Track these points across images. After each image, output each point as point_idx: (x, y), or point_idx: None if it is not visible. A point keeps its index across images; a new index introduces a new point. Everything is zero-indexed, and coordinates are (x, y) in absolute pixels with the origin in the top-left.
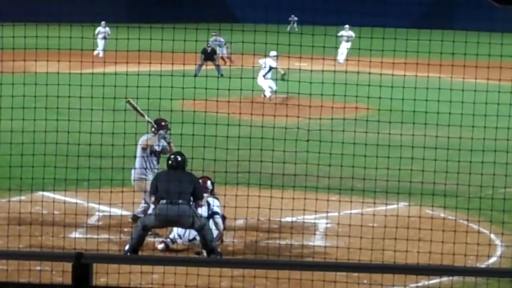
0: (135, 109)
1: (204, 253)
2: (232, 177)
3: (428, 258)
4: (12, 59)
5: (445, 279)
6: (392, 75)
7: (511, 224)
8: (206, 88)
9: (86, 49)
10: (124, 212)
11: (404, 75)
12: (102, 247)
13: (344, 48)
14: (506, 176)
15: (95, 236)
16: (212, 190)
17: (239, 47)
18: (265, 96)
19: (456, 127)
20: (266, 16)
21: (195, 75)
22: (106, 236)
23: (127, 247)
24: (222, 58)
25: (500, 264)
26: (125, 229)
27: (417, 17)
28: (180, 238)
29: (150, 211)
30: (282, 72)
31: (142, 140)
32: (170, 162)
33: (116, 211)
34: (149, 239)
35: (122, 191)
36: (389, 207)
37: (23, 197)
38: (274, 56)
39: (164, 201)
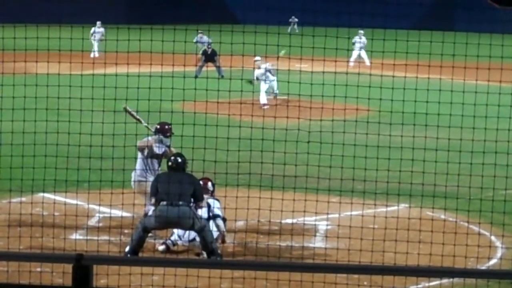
0: (132, 115)
1: (204, 255)
2: (233, 178)
3: (428, 260)
4: (13, 60)
5: (445, 281)
6: (393, 76)
7: None
8: (206, 90)
9: (86, 50)
10: (125, 214)
11: (405, 77)
12: (103, 248)
13: (356, 53)
14: (507, 178)
15: (96, 238)
16: (213, 191)
17: (239, 49)
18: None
19: (457, 128)
20: (267, 17)
21: (196, 77)
22: (106, 237)
23: (127, 249)
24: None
25: (500, 266)
26: (126, 231)
27: (418, 18)
28: (180, 239)
29: (150, 212)
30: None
31: (140, 142)
32: (170, 163)
33: (116, 212)
34: (150, 240)
35: (123, 193)
36: (389, 208)
37: (23, 199)
38: (258, 60)
39: (165, 202)
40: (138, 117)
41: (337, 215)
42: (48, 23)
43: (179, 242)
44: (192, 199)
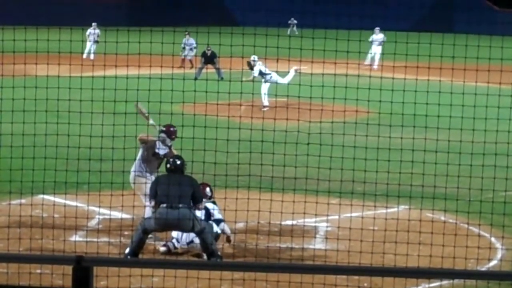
0: (141, 113)
1: (204, 256)
2: (233, 180)
3: (428, 261)
4: (13, 62)
5: (445, 282)
6: (393, 78)
7: None
8: (206, 92)
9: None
10: (124, 215)
11: (405, 78)
12: (102, 250)
13: (374, 52)
14: (507, 179)
15: (95, 239)
16: (211, 196)
17: (239, 50)
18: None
19: (457, 130)
20: (266, 19)
21: (196, 78)
22: (106, 239)
23: (127, 250)
24: (190, 61)
25: (500, 267)
26: (125, 232)
27: (417, 20)
28: (178, 242)
29: (150, 214)
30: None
31: (143, 134)
32: (169, 165)
33: (116, 214)
34: (150, 242)
35: (122, 194)
36: (389, 210)
37: (23, 200)
38: (254, 60)
39: (164, 205)
40: (147, 114)
41: (337, 217)
42: (48, 25)
43: (178, 245)
44: (191, 201)
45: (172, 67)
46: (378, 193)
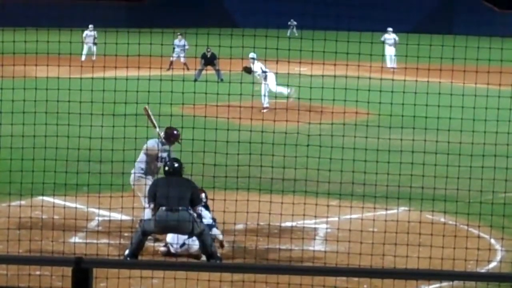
0: (149, 119)
1: (204, 258)
2: (232, 182)
3: (428, 263)
4: (13, 63)
5: (445, 284)
6: (392, 80)
7: (511, 229)
8: (206, 93)
9: (86, 54)
10: (124, 217)
11: (404, 80)
12: (102, 251)
13: (389, 53)
14: (506, 181)
15: (95, 241)
16: (205, 202)
17: (238, 52)
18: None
19: (456, 132)
20: (266, 21)
21: (195, 80)
22: (106, 240)
23: (127, 252)
24: (184, 64)
25: (500, 269)
26: (125, 234)
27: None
28: (172, 246)
29: (149, 216)
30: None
31: (151, 145)
32: (167, 168)
33: (115, 216)
34: (149, 243)
35: (122, 196)
36: (389, 212)
37: (23, 202)
38: (253, 58)
39: (164, 208)
40: (154, 122)
41: (336, 219)
42: (48, 26)
43: (172, 250)
44: (190, 203)
45: (172, 68)
46: (377, 195)
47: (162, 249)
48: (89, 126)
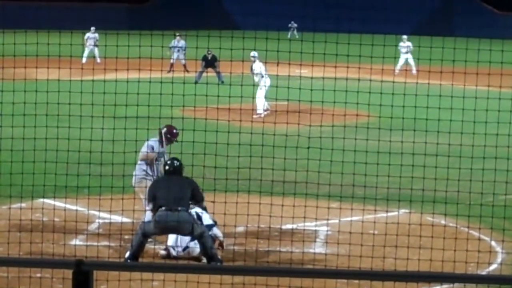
0: (165, 140)
1: (204, 260)
2: (233, 184)
3: (429, 266)
4: (13, 66)
5: (446, 286)
6: (393, 82)
7: None
8: (206, 95)
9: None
10: (124, 219)
11: (405, 82)
12: (103, 254)
13: (403, 59)
14: (507, 183)
15: (96, 243)
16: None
17: (239, 54)
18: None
19: (457, 134)
20: (267, 23)
21: (196, 82)
22: (106, 243)
23: (127, 254)
24: (184, 65)
25: (501, 271)
26: (126, 236)
27: (418, 24)
28: (174, 249)
29: (149, 218)
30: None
31: (144, 149)
32: (167, 167)
33: (116, 218)
34: (149, 246)
35: (123, 198)
36: (390, 214)
37: (23, 204)
38: (254, 56)
39: (164, 208)
40: (165, 147)
41: (337, 221)
42: (48, 29)
43: (173, 252)
44: (193, 201)
45: (173, 70)
46: (378, 197)
47: (162, 252)
48: (90, 128)
